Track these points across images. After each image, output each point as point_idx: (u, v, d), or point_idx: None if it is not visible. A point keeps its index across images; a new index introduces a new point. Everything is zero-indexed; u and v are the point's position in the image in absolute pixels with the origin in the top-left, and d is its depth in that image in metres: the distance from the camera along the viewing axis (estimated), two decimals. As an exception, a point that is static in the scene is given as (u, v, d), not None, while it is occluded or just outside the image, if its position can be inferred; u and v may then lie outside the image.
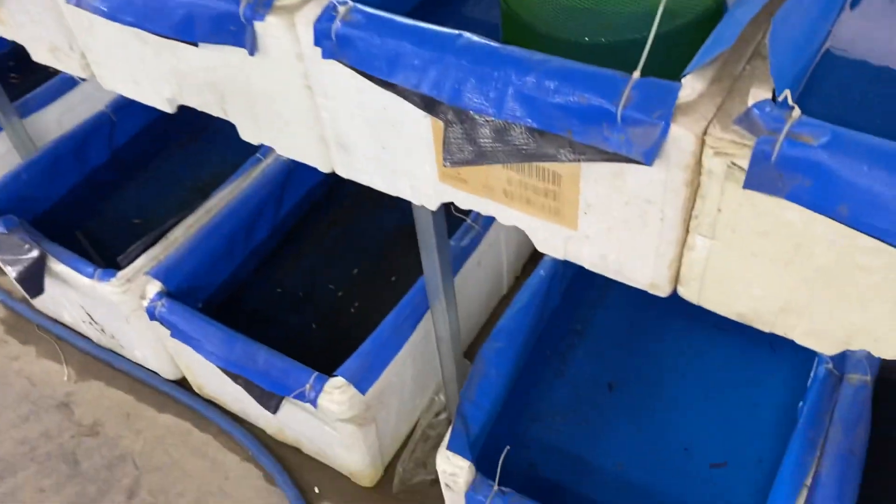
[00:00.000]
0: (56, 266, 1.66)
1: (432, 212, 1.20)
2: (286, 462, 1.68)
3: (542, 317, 1.53)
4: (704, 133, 0.71)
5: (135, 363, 1.88)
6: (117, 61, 1.19)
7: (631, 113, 0.72)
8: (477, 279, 1.72)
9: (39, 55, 1.32)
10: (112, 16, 1.04)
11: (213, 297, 1.72)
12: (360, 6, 0.87)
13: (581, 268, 0.95)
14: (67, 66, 1.29)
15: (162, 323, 1.53)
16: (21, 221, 1.73)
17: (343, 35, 0.86)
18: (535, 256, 2.03)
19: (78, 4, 1.08)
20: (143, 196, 2.14)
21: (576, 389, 1.60)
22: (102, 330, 1.83)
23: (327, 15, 0.87)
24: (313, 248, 1.93)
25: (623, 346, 1.67)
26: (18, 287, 2.03)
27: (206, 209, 1.73)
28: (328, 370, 1.42)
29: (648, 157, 0.72)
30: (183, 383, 1.84)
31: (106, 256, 1.98)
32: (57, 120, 2.20)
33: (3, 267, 1.81)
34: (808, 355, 1.49)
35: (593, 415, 1.57)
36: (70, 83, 2.21)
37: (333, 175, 1.08)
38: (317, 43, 0.89)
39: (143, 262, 1.63)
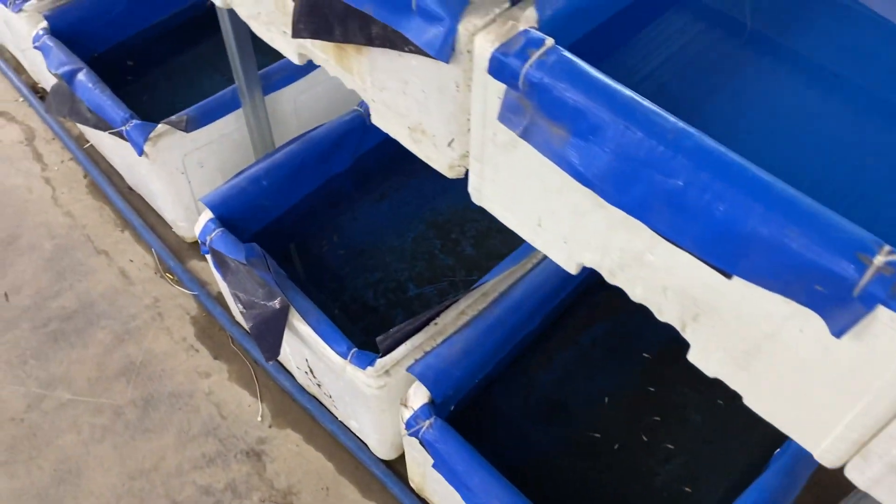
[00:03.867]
0: (300, 325, 1.38)
1: None
2: None
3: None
4: None
5: (344, 425, 1.61)
6: (531, 197, 0.85)
7: None
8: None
9: (392, 128, 1.00)
10: (593, 185, 0.70)
11: (461, 401, 1.42)
12: None
13: None
14: (427, 154, 0.96)
15: (424, 446, 1.25)
16: (265, 254, 1.44)
17: None
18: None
19: (526, 137, 0.75)
20: (374, 216, 1.84)
21: None
22: (319, 384, 1.56)
23: None
24: (567, 348, 1.61)
25: None
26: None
27: (482, 292, 1.41)
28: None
29: None
30: (394, 465, 1.57)
31: (323, 285, 1.70)
32: (293, 101, 1.89)
33: (236, 305, 1.55)
34: None
35: None
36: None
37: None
38: None
39: (404, 350, 1.33)
